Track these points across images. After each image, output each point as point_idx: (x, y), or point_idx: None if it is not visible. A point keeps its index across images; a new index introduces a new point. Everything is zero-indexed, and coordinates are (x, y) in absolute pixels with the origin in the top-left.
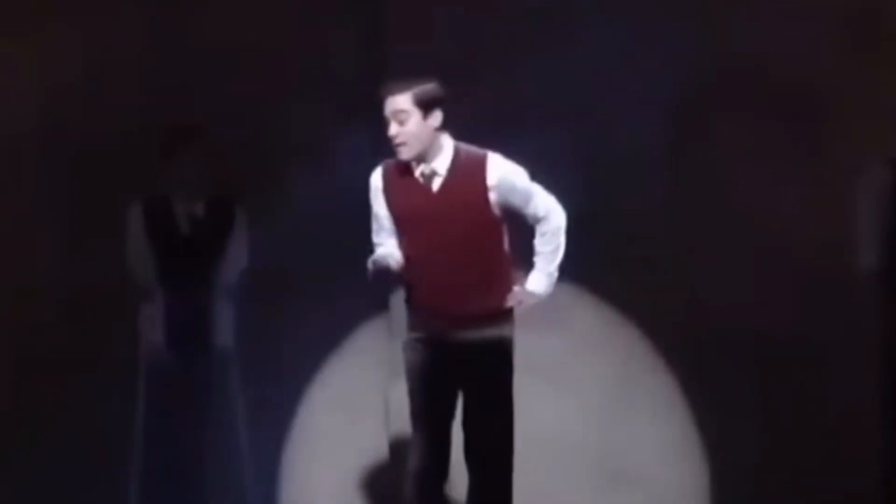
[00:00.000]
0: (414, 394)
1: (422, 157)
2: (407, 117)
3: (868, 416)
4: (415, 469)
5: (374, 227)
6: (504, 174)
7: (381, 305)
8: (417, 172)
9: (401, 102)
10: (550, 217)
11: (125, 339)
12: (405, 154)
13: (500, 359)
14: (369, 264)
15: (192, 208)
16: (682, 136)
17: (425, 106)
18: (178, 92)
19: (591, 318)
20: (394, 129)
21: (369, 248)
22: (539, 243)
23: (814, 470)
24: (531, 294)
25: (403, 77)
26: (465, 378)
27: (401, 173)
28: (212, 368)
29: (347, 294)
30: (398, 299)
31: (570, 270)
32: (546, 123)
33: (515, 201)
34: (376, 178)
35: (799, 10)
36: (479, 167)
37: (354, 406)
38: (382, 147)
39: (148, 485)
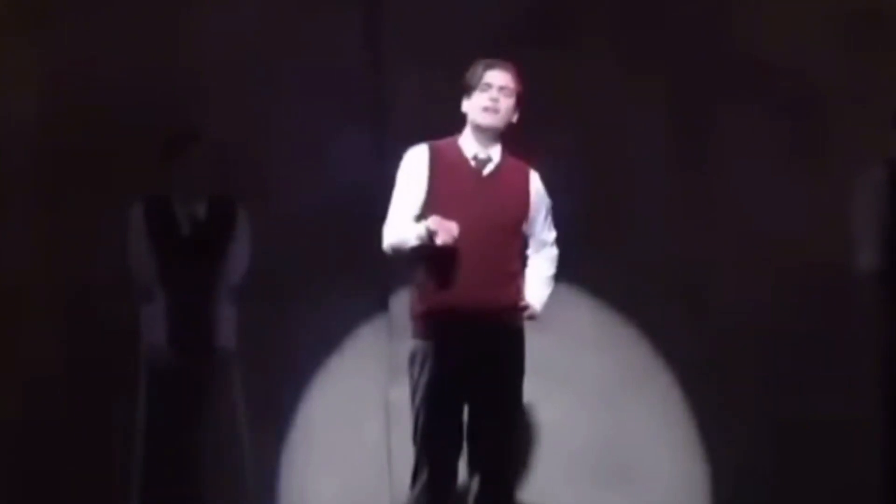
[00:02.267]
0: (427, 404)
1: (486, 140)
2: (510, 94)
3: (868, 416)
4: (424, 482)
5: (400, 205)
6: (541, 192)
7: (381, 305)
8: (470, 155)
9: (510, 79)
10: (554, 247)
11: (126, 339)
12: (489, 119)
13: (515, 351)
14: (423, 231)
15: (194, 209)
16: (682, 136)
17: (518, 93)
18: (177, 92)
19: (591, 318)
20: (495, 94)
21: (371, 245)
22: (542, 267)
23: (814, 470)
24: (534, 308)
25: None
26: (479, 377)
27: (449, 155)
28: (213, 368)
29: (347, 294)
30: (398, 299)
31: (571, 270)
32: (546, 121)
33: (538, 222)
34: (421, 156)
35: (799, 10)
36: (525, 173)
37: (354, 406)
38: (383, 147)
39: (148, 484)
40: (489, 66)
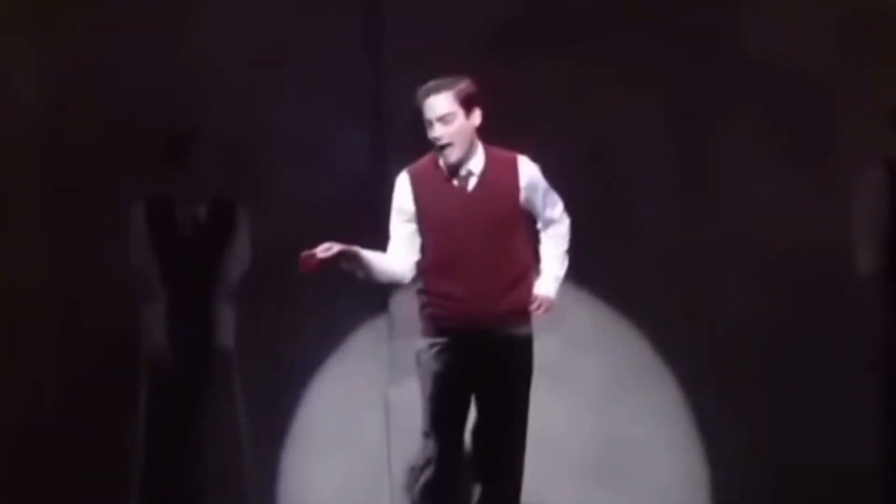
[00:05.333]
0: (432, 401)
1: (462, 158)
2: (453, 118)
3: (868, 415)
4: (427, 477)
5: (394, 232)
6: (532, 175)
7: (381, 305)
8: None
9: (445, 103)
10: (563, 220)
11: (126, 339)
12: (453, 156)
13: (523, 358)
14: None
15: (194, 210)
16: (682, 136)
17: (467, 104)
18: (177, 92)
19: (591, 318)
20: (439, 130)
21: (371, 245)
22: (550, 246)
23: (813, 470)
24: (547, 298)
25: (409, 75)
26: (486, 381)
27: (431, 176)
28: (213, 369)
29: (347, 294)
30: (398, 300)
31: (570, 270)
32: (545, 120)
33: (537, 203)
34: (403, 184)
35: (799, 11)
36: (512, 168)
37: (354, 406)
38: (383, 147)
39: (148, 484)
40: (423, 96)
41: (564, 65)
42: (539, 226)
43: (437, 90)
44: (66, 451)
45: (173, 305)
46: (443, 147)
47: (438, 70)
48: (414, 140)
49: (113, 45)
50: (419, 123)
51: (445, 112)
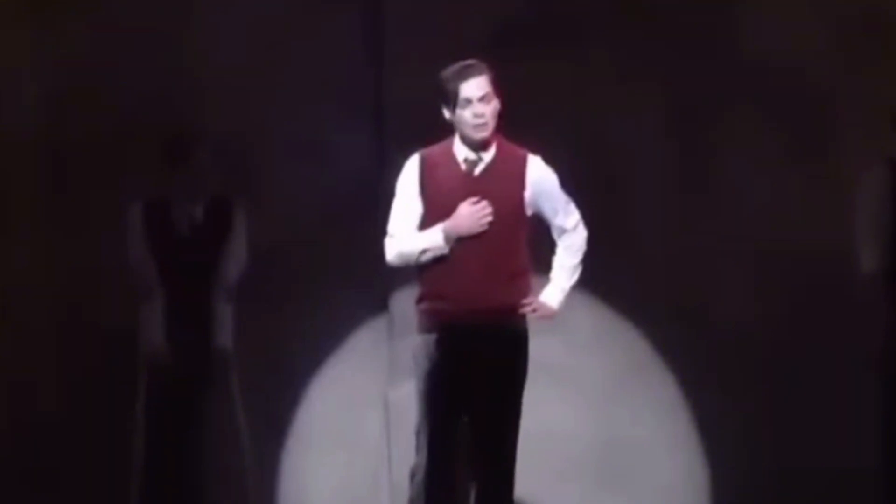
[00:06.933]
0: (426, 396)
1: (478, 143)
2: (490, 99)
3: (869, 415)
4: (421, 475)
5: (397, 218)
6: (542, 176)
7: (381, 305)
8: (461, 158)
9: (485, 84)
10: (578, 231)
11: (125, 339)
12: (485, 133)
13: (517, 356)
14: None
15: (192, 209)
16: (683, 136)
17: (495, 89)
18: (177, 92)
19: (591, 318)
20: (481, 108)
21: (371, 245)
22: (562, 256)
23: (814, 470)
24: (546, 306)
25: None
26: (480, 377)
27: (440, 160)
28: (212, 368)
29: (347, 294)
30: (398, 299)
31: None
32: (543, 120)
33: (546, 207)
34: (412, 165)
35: (799, 11)
36: (520, 163)
37: (354, 406)
38: (383, 147)
39: (148, 485)
40: (461, 78)
41: (564, 65)
42: (554, 235)
43: (476, 71)
44: (65, 451)
45: (171, 304)
46: (480, 125)
47: (438, 70)
48: (414, 140)
49: (113, 45)
50: (419, 123)
51: (486, 92)
